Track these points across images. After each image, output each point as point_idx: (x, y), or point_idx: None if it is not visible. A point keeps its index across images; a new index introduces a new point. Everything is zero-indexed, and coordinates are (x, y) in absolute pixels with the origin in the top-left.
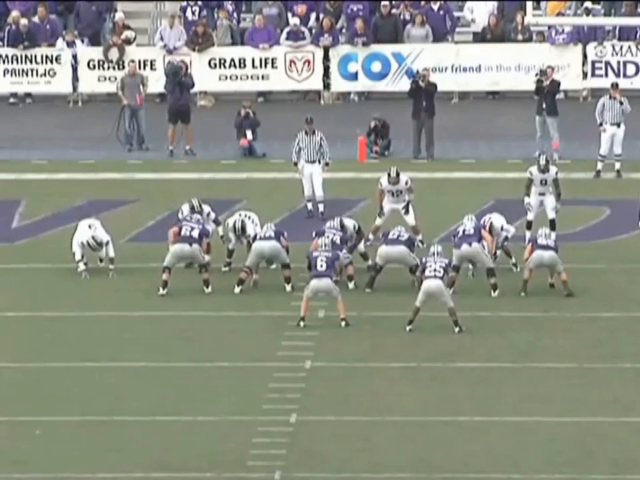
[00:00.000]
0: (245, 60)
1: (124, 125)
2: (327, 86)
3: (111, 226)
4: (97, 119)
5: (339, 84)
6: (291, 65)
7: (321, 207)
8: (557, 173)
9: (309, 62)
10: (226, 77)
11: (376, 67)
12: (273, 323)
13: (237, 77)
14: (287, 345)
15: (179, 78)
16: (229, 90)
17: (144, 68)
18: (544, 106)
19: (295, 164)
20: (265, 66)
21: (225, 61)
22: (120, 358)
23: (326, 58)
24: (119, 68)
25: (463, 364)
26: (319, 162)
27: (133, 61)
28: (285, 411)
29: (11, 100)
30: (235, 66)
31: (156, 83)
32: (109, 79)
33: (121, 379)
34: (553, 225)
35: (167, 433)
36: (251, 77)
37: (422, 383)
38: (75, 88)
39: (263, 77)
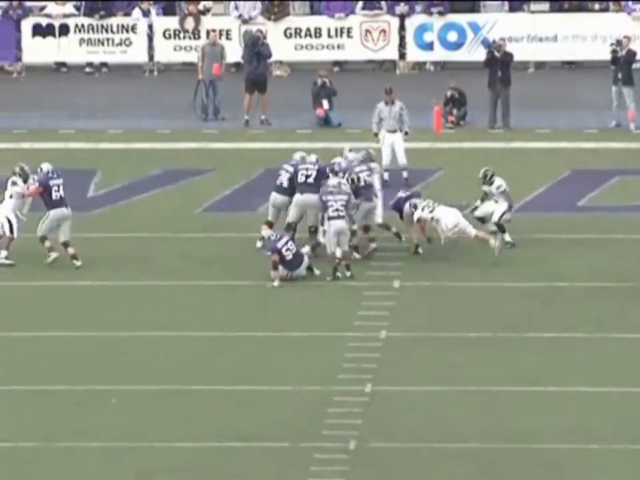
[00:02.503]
0: (320, 29)
1: (201, 95)
2: (402, 55)
3: (187, 195)
4: (173, 88)
5: (414, 53)
6: (366, 35)
7: (404, 174)
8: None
9: (384, 31)
10: (301, 47)
11: (452, 36)
12: (349, 293)
13: (312, 47)
14: (363, 315)
15: (257, 48)
16: (304, 59)
17: (219, 38)
18: (620, 76)
19: (376, 134)
20: (341, 35)
21: (300, 30)
22: (193, 327)
23: (402, 27)
24: (194, 37)
25: (537, 334)
26: (400, 130)
27: (214, 30)
28: (360, 380)
29: (87, 69)
30: (310, 35)
31: (231, 52)
32: (185, 48)
33: (195, 348)
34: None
35: (242, 403)
36: (327, 47)
37: (497, 353)
38: (150, 57)
39: (338, 47)
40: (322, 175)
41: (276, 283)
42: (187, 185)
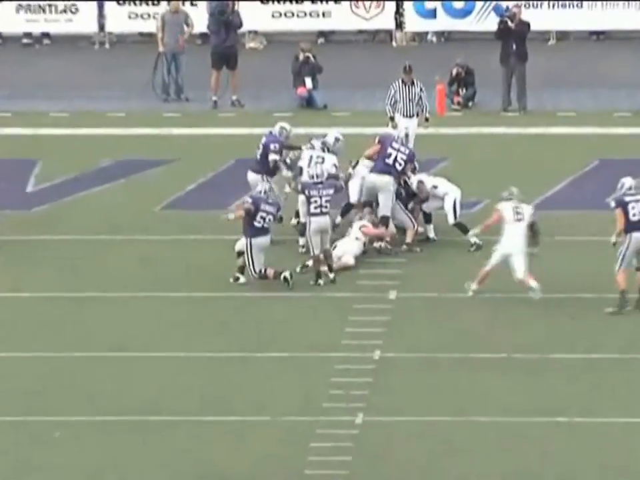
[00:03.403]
0: None
1: (161, 71)
2: (399, 25)
3: (144, 191)
4: (128, 63)
5: (413, 22)
6: (357, 0)
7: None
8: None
9: None
10: (280, 14)
11: (458, 2)
12: (336, 306)
13: (292, 14)
14: (353, 332)
15: (226, 16)
16: (283, 29)
17: (182, 4)
18: None
19: (392, 118)
20: (327, 1)
21: None
22: (156, 347)
23: None
24: (153, 3)
25: (561, 354)
26: (417, 115)
27: None
28: (349, 410)
29: (25, 40)
30: (290, 1)
31: (197, 21)
32: (142, 16)
33: (157, 371)
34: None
35: (214, 436)
36: (310, 14)
37: (513, 377)
38: (101, 27)
39: (323, 14)
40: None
41: (231, 215)
42: (145, 178)
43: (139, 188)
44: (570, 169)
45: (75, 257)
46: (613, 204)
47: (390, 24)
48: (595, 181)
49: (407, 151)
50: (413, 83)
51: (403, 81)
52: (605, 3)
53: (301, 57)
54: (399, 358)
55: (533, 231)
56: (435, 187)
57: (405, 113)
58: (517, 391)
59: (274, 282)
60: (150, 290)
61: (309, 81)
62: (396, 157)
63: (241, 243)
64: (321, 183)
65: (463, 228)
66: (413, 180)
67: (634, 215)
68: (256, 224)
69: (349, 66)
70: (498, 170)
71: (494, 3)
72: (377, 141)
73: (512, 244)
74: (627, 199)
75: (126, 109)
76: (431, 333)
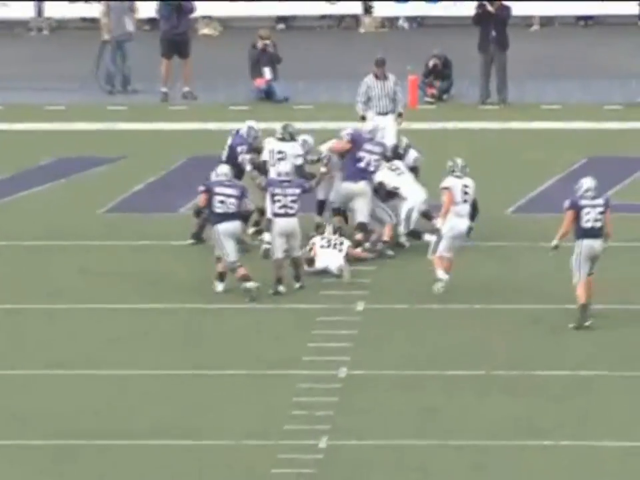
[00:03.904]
0: None
1: (106, 60)
2: (367, 9)
3: (87, 191)
4: (68, 52)
5: (383, 7)
6: None
7: None
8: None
9: None
10: None
11: None
12: (298, 319)
13: None
14: (316, 347)
15: (176, 0)
16: (240, 14)
17: None
18: None
19: (363, 117)
20: None
21: None
22: (98, 364)
23: None
24: None
25: (544, 371)
26: (392, 112)
27: None
28: (313, 432)
29: None
30: None
31: (144, 5)
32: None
33: (100, 391)
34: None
35: (163, 462)
36: None
37: (493, 397)
38: (39, 12)
39: None
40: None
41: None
42: (87, 178)
43: (81, 189)
44: (555, 167)
45: (10, 264)
46: (566, 204)
47: (357, 8)
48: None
49: (379, 149)
50: (386, 77)
51: (375, 75)
52: None
53: (259, 44)
54: (367, 376)
55: (474, 209)
56: (397, 189)
57: (379, 110)
58: (497, 411)
59: (237, 286)
60: (93, 301)
61: (268, 71)
62: (369, 161)
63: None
64: (288, 181)
65: (416, 235)
66: (376, 178)
67: (587, 220)
68: (216, 209)
69: (312, 54)
70: (475, 168)
71: None
72: (347, 139)
73: (458, 227)
74: (583, 202)
75: (67, 102)
76: (402, 348)
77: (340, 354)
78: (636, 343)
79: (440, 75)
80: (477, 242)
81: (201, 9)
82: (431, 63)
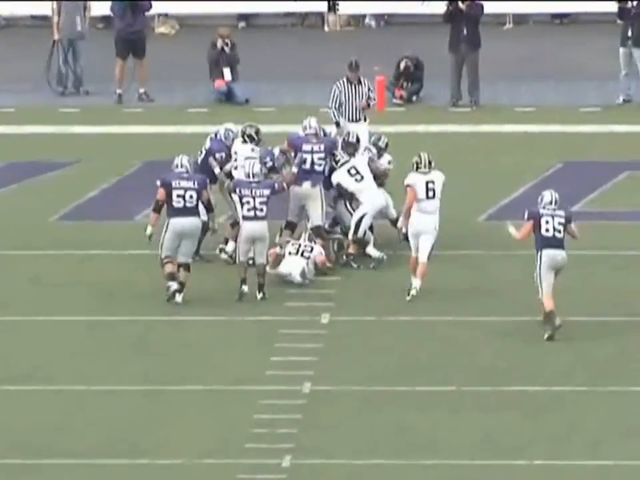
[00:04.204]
0: None
1: (57, 60)
2: (332, 7)
3: (38, 198)
4: (18, 51)
5: (349, 4)
6: None
7: None
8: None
9: None
10: None
11: None
12: (260, 331)
13: None
14: (279, 362)
15: None
16: (198, 12)
17: None
18: (630, 34)
19: (337, 124)
20: None
21: None
22: (49, 379)
23: None
24: None
25: (518, 387)
26: (365, 119)
27: None
28: (276, 451)
29: None
30: None
31: (98, 2)
32: None
33: (51, 407)
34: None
35: None
36: None
37: (464, 414)
38: None
39: None
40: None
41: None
42: (39, 184)
43: (32, 195)
44: (529, 172)
45: None
46: (525, 214)
47: (322, 6)
48: (558, 186)
49: (322, 146)
50: (360, 82)
51: (348, 80)
52: None
53: (219, 44)
54: (332, 391)
55: None
56: (353, 194)
57: (352, 117)
58: (468, 429)
59: (195, 297)
60: (44, 313)
61: (227, 72)
62: (312, 161)
63: None
64: (257, 182)
65: (362, 243)
66: (333, 179)
67: (547, 230)
68: (174, 204)
69: (275, 54)
70: (446, 174)
71: None
72: (288, 141)
73: (422, 223)
74: (542, 211)
75: (16, 104)
76: (369, 363)
77: (304, 368)
78: (611, 356)
79: (411, 77)
80: (449, 250)
81: (157, 7)
82: (402, 65)
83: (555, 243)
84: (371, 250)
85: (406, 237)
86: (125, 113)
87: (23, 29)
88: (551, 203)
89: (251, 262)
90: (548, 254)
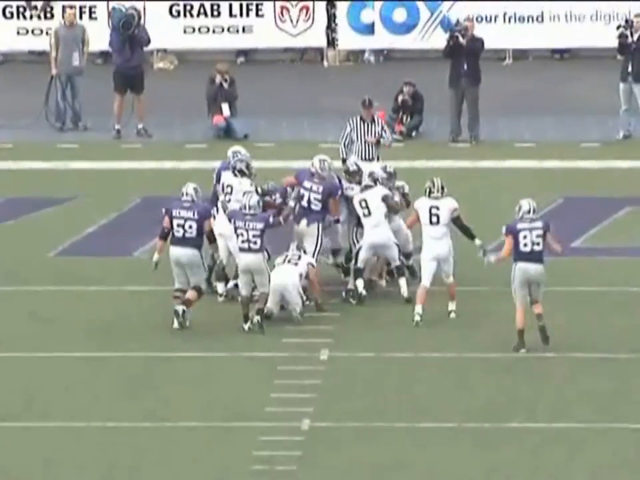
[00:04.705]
0: (218, 6)
1: (55, 96)
2: (331, 42)
3: (36, 233)
4: (16, 86)
5: (348, 39)
6: (282, 13)
7: None
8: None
9: (307, 9)
10: (193, 30)
11: (399, 15)
12: (260, 367)
13: (208, 30)
14: (278, 398)
15: (130, 31)
16: (197, 47)
17: (79, 17)
18: (630, 69)
19: (344, 160)
20: (247, 14)
21: (191, 7)
22: (46, 415)
23: (331, 4)
24: (45, 17)
25: (522, 424)
26: (378, 159)
27: (71, 8)
28: None
29: None
30: (205, 14)
31: (96, 37)
32: (33, 31)
33: (47, 443)
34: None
35: None
36: (228, 30)
37: (464, 450)
38: None
39: (244, 30)
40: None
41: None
42: (37, 220)
43: (30, 230)
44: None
45: None
46: (504, 230)
47: (321, 41)
48: (559, 221)
49: (321, 188)
50: (373, 121)
51: (361, 118)
52: (569, 17)
53: (217, 79)
54: (331, 428)
55: (460, 228)
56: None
57: (364, 156)
58: (469, 465)
59: (194, 333)
60: (42, 349)
61: (226, 108)
62: (309, 198)
63: None
64: (253, 214)
65: (343, 271)
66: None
67: (525, 244)
68: (174, 233)
69: (274, 89)
70: None
71: (441, 15)
72: (295, 174)
73: (436, 249)
74: (519, 226)
75: (14, 140)
76: (368, 399)
77: (303, 405)
78: (612, 393)
79: (410, 109)
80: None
81: (155, 42)
82: (400, 97)
83: (532, 257)
84: (359, 283)
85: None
86: (124, 149)
87: (20, 64)
88: (529, 212)
89: (255, 297)
90: (521, 267)
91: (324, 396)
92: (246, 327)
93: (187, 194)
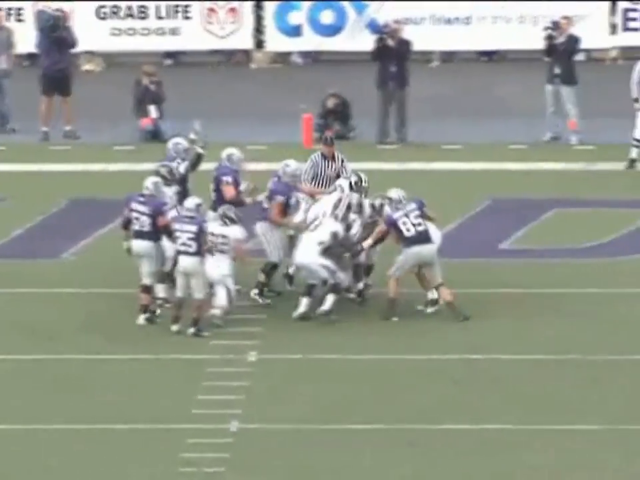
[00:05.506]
0: (146, 8)
1: None
2: (259, 44)
3: None
4: None
5: (276, 41)
6: (209, 15)
7: None
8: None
9: (234, 11)
10: (120, 32)
11: (327, 17)
12: (187, 369)
13: (135, 32)
14: (206, 400)
15: (57, 33)
16: (124, 49)
17: (6, 19)
18: (557, 71)
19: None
20: (175, 16)
21: (118, 9)
22: None
23: (258, 6)
24: None
25: (450, 425)
26: None
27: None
28: None
29: None
30: (132, 16)
31: (23, 39)
32: None
33: None
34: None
35: None
36: (155, 32)
37: (395, 452)
38: None
39: (171, 32)
40: None
41: None
42: None
43: None
44: (457, 210)
45: None
46: (383, 226)
47: (248, 43)
48: (486, 223)
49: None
50: (334, 157)
51: (322, 155)
52: (495, 19)
53: (145, 81)
54: (260, 430)
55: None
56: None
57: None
58: (400, 468)
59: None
60: None
61: (153, 110)
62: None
63: None
64: (191, 217)
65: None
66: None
67: (408, 230)
68: (133, 225)
69: (201, 92)
70: None
71: (369, 17)
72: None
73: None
74: (396, 215)
75: None
76: (297, 401)
77: (231, 407)
78: (536, 395)
79: (339, 116)
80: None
81: (83, 44)
82: (328, 104)
83: (420, 238)
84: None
85: None
86: (51, 151)
87: None
88: (400, 200)
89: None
90: (413, 251)
91: (252, 398)
92: (174, 328)
93: (146, 188)
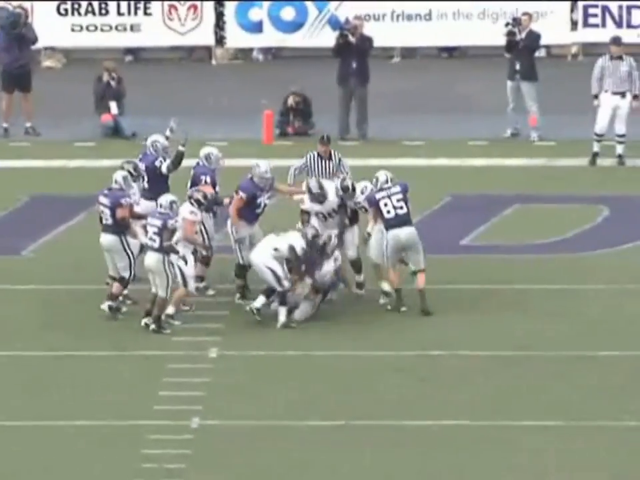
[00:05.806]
0: (106, 4)
1: None
2: (220, 40)
3: None
4: None
5: (236, 37)
6: (170, 12)
7: None
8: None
9: (195, 7)
10: (80, 28)
11: (287, 13)
12: (148, 366)
13: (95, 28)
14: (167, 396)
15: (17, 29)
16: (84, 46)
17: None
18: (517, 67)
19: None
20: (135, 12)
21: (78, 5)
22: None
23: (219, 2)
24: None
25: (408, 421)
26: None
27: None
28: None
29: None
30: (93, 12)
31: None
32: None
33: None
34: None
35: None
36: (116, 28)
37: (353, 449)
38: None
39: (132, 28)
40: None
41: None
42: None
43: None
44: (418, 206)
45: None
46: (366, 204)
47: (209, 39)
48: (447, 220)
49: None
50: (330, 157)
51: (318, 154)
52: (456, 15)
53: (105, 77)
54: (221, 426)
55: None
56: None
57: None
58: (360, 466)
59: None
60: None
61: (114, 106)
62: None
63: None
64: (160, 213)
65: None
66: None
67: (388, 212)
68: (100, 219)
69: (162, 88)
70: None
71: (329, 13)
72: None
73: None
74: (378, 195)
75: None
76: (258, 397)
77: (192, 403)
78: (499, 391)
79: (300, 113)
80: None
81: (43, 40)
82: (289, 102)
83: (398, 221)
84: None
85: None
86: (11, 147)
87: None
88: (386, 181)
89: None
90: (392, 234)
91: (213, 394)
92: (143, 321)
93: (115, 181)
